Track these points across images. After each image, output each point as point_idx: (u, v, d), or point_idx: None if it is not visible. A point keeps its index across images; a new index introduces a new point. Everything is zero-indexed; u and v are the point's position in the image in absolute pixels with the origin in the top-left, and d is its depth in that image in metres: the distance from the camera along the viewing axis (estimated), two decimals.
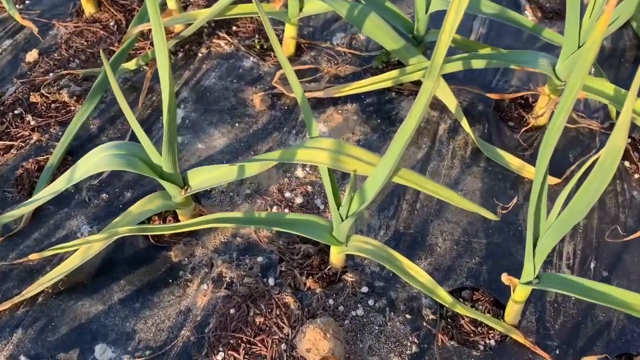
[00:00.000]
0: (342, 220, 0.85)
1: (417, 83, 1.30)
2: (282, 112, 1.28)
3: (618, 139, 0.61)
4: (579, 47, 1.07)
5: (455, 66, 1.18)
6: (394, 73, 1.22)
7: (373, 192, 0.80)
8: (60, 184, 0.92)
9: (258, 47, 1.42)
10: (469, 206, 0.89)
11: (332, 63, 1.39)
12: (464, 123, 1.19)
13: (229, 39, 1.45)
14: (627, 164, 1.24)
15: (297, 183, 1.15)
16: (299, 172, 1.16)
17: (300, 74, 1.36)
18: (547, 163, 0.72)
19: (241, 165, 0.87)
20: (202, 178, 0.93)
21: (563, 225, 0.72)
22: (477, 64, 1.17)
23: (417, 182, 0.84)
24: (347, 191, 0.81)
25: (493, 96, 1.27)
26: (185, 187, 0.94)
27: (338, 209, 0.85)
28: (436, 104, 1.29)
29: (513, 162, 1.19)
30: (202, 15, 1.26)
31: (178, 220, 1.05)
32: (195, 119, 1.26)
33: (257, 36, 1.45)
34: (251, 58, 1.40)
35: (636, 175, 1.22)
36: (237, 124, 1.26)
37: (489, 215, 0.91)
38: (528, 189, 1.16)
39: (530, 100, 1.33)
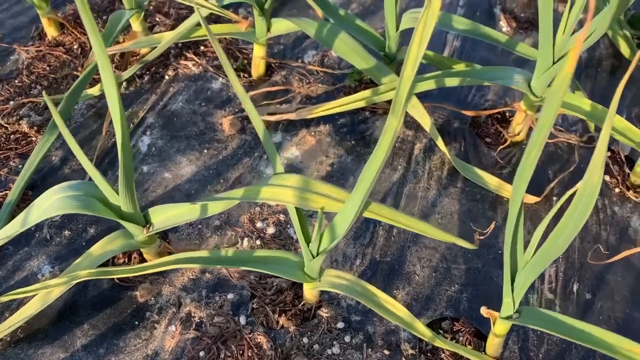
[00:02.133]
0: (313, 258, 0.81)
1: (391, 102, 1.27)
2: (253, 135, 1.24)
3: (594, 177, 0.57)
4: (554, 62, 1.04)
5: (428, 85, 1.14)
6: (367, 93, 1.18)
7: (343, 228, 0.76)
8: (14, 228, 0.87)
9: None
10: (445, 237, 0.85)
11: (304, 82, 1.35)
12: (440, 142, 1.16)
13: (197, 59, 1.40)
14: (607, 177, 1.22)
15: (269, 212, 1.10)
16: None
17: (271, 94, 1.32)
18: (521, 200, 0.68)
19: (203, 204, 0.82)
20: (164, 216, 0.88)
21: (541, 261, 0.69)
22: (451, 82, 1.13)
23: (389, 216, 0.80)
24: (315, 229, 0.76)
25: (469, 113, 1.24)
26: (147, 226, 0.90)
27: (308, 246, 0.80)
28: (411, 123, 1.25)
29: (491, 181, 1.15)
30: (166, 39, 1.21)
31: (143, 258, 1.00)
32: (162, 146, 1.22)
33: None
34: (220, 79, 1.36)
35: (617, 190, 1.20)
36: (205, 150, 1.21)
37: (467, 245, 0.88)
38: (507, 209, 1.13)
39: (507, 114, 1.30)
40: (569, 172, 1.19)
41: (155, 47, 1.23)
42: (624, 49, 1.45)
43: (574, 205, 0.61)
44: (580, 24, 1.41)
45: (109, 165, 1.18)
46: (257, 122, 0.80)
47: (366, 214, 0.79)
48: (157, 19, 1.54)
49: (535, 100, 1.12)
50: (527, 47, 1.17)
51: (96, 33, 0.66)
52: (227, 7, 1.21)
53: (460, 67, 1.24)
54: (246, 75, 1.36)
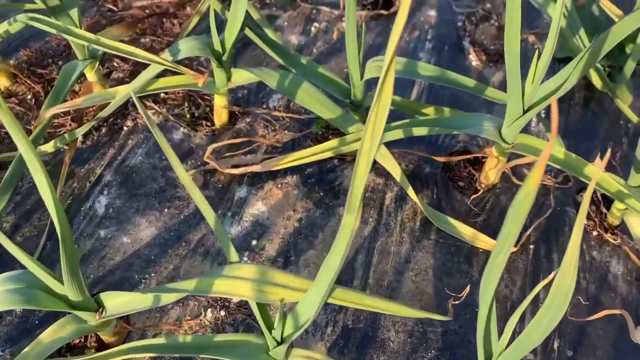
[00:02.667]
0: (278, 345, 0.76)
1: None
2: (216, 191, 1.18)
3: (565, 280, 0.53)
4: (524, 111, 1.00)
5: (395, 135, 1.10)
6: (334, 143, 1.14)
7: (306, 318, 0.71)
8: None
9: (188, 116, 1.32)
10: (418, 314, 0.80)
11: (270, 130, 1.29)
12: (411, 192, 1.11)
13: (157, 108, 1.34)
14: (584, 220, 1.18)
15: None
16: None
17: (235, 144, 1.26)
18: (490, 300, 0.64)
19: (156, 295, 0.76)
20: (116, 302, 0.82)
21: (515, 353, 0.64)
22: (419, 131, 1.09)
23: (355, 301, 0.75)
24: (276, 320, 0.71)
25: (440, 159, 1.19)
26: (100, 310, 0.83)
27: (271, 333, 0.75)
28: (381, 170, 1.20)
29: (465, 231, 1.11)
30: (121, 94, 1.15)
31: (100, 338, 0.94)
32: (120, 206, 1.15)
33: (186, 104, 1.34)
34: (181, 129, 1.30)
35: (595, 233, 1.16)
36: (166, 210, 1.15)
37: (441, 317, 0.83)
38: (483, 262, 1.09)
39: (480, 156, 1.26)
40: (545, 217, 1.15)
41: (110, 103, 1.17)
42: (596, 81, 1.42)
43: (547, 305, 0.57)
44: (552, 71, 1.38)
45: None
46: (208, 212, 0.74)
47: (331, 300, 0.74)
48: (114, 63, 1.48)
49: (507, 147, 1.08)
50: (496, 92, 1.13)
51: (24, 139, 0.60)
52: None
53: (429, 111, 1.20)
54: (209, 124, 1.31)
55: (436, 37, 1.54)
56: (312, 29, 1.57)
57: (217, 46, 1.09)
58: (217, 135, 1.29)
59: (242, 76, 1.16)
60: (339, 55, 1.49)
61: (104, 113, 1.16)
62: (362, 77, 1.12)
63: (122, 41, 1.52)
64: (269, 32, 1.44)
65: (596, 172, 1.01)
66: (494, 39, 1.53)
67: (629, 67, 1.39)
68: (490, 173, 1.19)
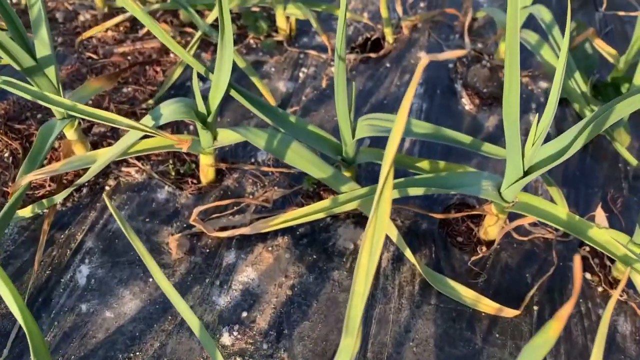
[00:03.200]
0: None
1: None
2: (203, 256, 1.12)
3: None
4: (525, 173, 0.95)
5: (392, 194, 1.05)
6: (326, 203, 1.08)
7: None
8: None
9: (173, 173, 1.27)
10: None
11: (259, 186, 1.24)
12: (408, 254, 1.06)
13: (140, 165, 1.29)
14: (588, 276, 1.14)
15: (225, 353, 0.99)
16: (226, 339, 1.00)
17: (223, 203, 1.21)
18: None
19: None
20: None
21: None
22: (414, 191, 1.04)
23: None
24: None
25: (437, 216, 1.15)
26: None
27: None
28: None
29: (467, 294, 1.06)
30: (101, 159, 1.10)
31: None
32: (102, 277, 1.09)
33: (171, 160, 1.29)
34: (166, 187, 1.24)
35: (600, 289, 1.12)
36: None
37: None
38: (486, 327, 1.03)
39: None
40: (549, 275, 1.10)
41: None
42: None
43: None
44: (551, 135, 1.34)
45: (42, 306, 1.05)
46: (193, 322, 0.69)
47: None
48: None
49: (507, 206, 1.04)
50: (493, 148, 1.09)
51: None
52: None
53: (424, 165, 1.15)
54: (195, 182, 1.25)
55: (427, 81, 1.50)
56: (300, 74, 1.52)
57: (202, 108, 1.04)
58: (204, 193, 1.23)
59: (228, 136, 1.11)
60: (329, 103, 1.44)
61: (82, 179, 1.10)
62: (353, 136, 1.08)
63: (103, 94, 1.48)
64: (255, 81, 1.40)
65: (600, 235, 0.96)
66: (487, 81, 1.49)
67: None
68: (490, 230, 1.14)
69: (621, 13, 1.48)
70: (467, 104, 1.45)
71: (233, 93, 1.06)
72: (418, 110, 1.42)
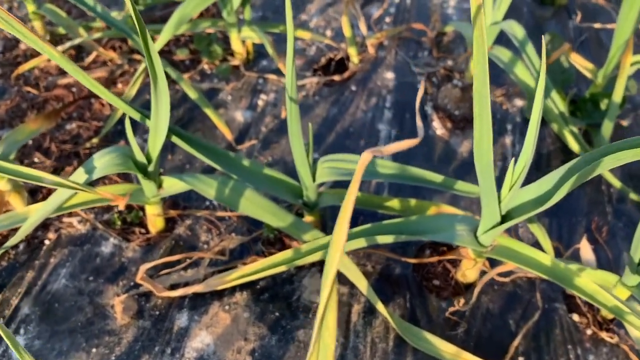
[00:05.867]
0: None
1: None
2: (153, 320, 1.00)
3: None
4: (502, 218, 0.86)
5: (357, 244, 0.95)
6: (287, 254, 0.98)
7: None
8: None
9: (119, 222, 1.15)
10: None
11: (214, 234, 1.13)
12: (380, 307, 0.96)
13: (83, 214, 1.16)
14: (576, 317, 1.04)
15: None
16: None
17: (174, 253, 1.09)
18: None
19: None
20: None
21: None
22: (384, 239, 0.94)
23: None
24: None
25: (410, 260, 1.05)
26: None
27: None
28: (346, 279, 1.05)
29: (446, 349, 0.96)
30: (33, 217, 0.97)
31: None
32: (40, 348, 0.97)
33: (116, 208, 1.17)
34: (111, 239, 1.12)
35: (589, 331, 1.03)
36: (94, 349, 0.97)
37: None
38: None
39: (455, 246, 1.12)
40: (534, 321, 1.01)
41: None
42: (573, 145, 1.30)
43: None
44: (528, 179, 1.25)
45: None
46: None
47: None
48: (35, 158, 1.30)
49: (484, 251, 0.94)
50: (468, 186, 0.99)
51: None
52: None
53: (394, 204, 1.05)
54: (143, 231, 1.14)
55: (396, 104, 1.40)
56: (259, 102, 1.41)
57: (140, 158, 0.92)
58: (153, 244, 1.11)
59: (174, 185, 1.00)
60: (283, 154, 1.33)
61: (11, 242, 0.98)
62: (314, 179, 0.97)
63: (43, 134, 1.35)
64: (209, 113, 1.28)
65: (587, 285, 0.87)
66: (459, 102, 1.40)
67: (607, 127, 1.28)
68: (469, 272, 1.04)
69: (597, 25, 1.40)
70: (438, 128, 1.35)
71: (175, 139, 0.94)
72: (387, 137, 1.32)
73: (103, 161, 0.92)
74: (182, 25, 1.20)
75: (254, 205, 0.97)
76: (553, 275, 0.89)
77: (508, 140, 1.34)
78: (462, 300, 1.01)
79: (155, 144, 0.90)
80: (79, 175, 0.92)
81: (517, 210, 0.85)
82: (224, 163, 0.98)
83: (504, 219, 0.86)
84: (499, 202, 0.84)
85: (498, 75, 1.49)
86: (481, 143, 0.74)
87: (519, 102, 1.43)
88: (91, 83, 0.82)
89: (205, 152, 0.97)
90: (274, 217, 0.98)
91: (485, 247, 0.93)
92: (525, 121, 1.38)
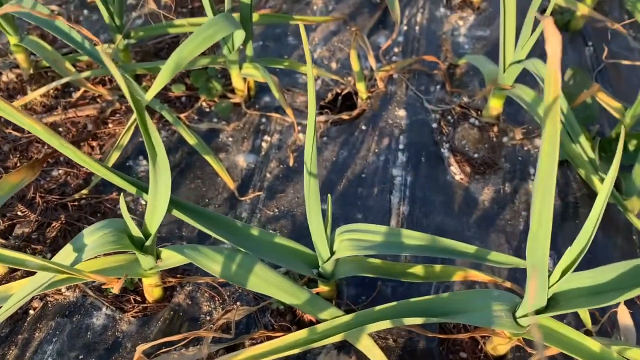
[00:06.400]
0: None
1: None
2: None
3: None
4: (548, 302, 0.76)
5: (382, 325, 0.85)
6: (302, 335, 0.87)
7: None
8: None
9: (111, 288, 1.04)
10: None
11: (217, 302, 1.02)
12: None
13: None
14: None
15: None
16: None
17: (174, 330, 0.98)
18: None
19: None
20: None
21: None
22: (411, 321, 0.84)
23: None
24: None
25: (438, 336, 0.95)
26: None
27: None
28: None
29: None
30: (15, 296, 0.85)
31: None
32: None
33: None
34: (103, 309, 1.01)
35: None
36: None
37: None
38: None
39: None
40: None
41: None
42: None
43: None
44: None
45: None
46: None
47: None
48: (18, 212, 1.18)
49: (522, 332, 0.84)
50: (505, 257, 0.89)
51: None
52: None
53: (417, 271, 0.95)
54: (138, 299, 1.03)
55: (409, 146, 1.30)
56: (263, 144, 1.31)
57: (136, 233, 0.82)
58: (150, 315, 1.01)
59: (172, 257, 0.89)
60: (298, 180, 1.23)
61: None
62: (331, 252, 0.87)
63: (28, 186, 1.23)
64: (210, 160, 1.18)
65: None
66: (477, 143, 1.30)
67: (638, 172, 1.18)
68: (501, 347, 0.94)
69: (626, 62, 1.31)
70: (456, 173, 1.25)
71: (176, 213, 0.84)
72: (402, 185, 1.22)
73: (94, 239, 0.81)
74: (179, 69, 1.09)
75: (264, 282, 0.86)
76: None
77: (531, 186, 1.24)
78: (491, 357, 0.91)
79: (154, 221, 0.79)
80: (67, 255, 0.81)
81: (566, 297, 0.75)
82: (232, 234, 0.87)
83: (550, 302, 0.77)
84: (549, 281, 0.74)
85: (516, 112, 1.39)
86: (538, 234, 0.64)
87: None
88: (87, 162, 0.72)
89: (210, 224, 0.86)
90: (288, 295, 0.87)
91: (523, 329, 0.84)
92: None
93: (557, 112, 0.52)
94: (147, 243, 0.84)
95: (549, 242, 0.67)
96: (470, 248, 0.88)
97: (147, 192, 0.78)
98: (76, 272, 0.77)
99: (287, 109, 1.16)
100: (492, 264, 0.88)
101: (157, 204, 0.76)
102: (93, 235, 0.81)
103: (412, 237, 0.87)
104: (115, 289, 0.79)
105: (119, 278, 0.80)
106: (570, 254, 0.71)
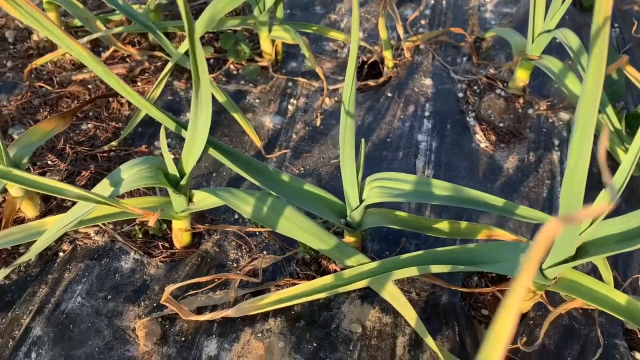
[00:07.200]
0: None
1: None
2: (178, 347, 0.92)
3: None
4: (576, 253, 0.77)
5: (408, 272, 0.86)
6: (329, 280, 0.89)
7: None
8: None
9: (140, 235, 1.06)
10: None
11: (244, 250, 1.04)
12: (430, 342, 0.87)
13: (101, 224, 1.07)
14: (638, 356, 0.96)
15: None
16: None
17: (201, 274, 1.00)
18: None
19: None
20: None
21: None
22: (437, 269, 0.85)
23: None
24: None
25: (460, 289, 0.96)
26: None
27: None
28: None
29: None
30: (49, 230, 0.88)
31: None
32: None
33: (138, 220, 1.08)
34: (132, 254, 1.03)
35: None
36: None
37: None
38: None
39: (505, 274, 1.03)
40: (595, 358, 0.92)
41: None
42: None
43: None
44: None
45: None
46: None
47: None
48: (48, 161, 1.20)
49: (548, 284, 0.85)
50: (531, 211, 0.90)
51: None
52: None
53: (443, 227, 0.96)
54: (166, 246, 1.05)
55: (435, 113, 1.31)
56: (289, 106, 1.32)
57: (173, 171, 0.83)
58: (178, 261, 1.02)
59: (205, 199, 0.91)
60: (323, 142, 1.24)
61: (25, 257, 0.89)
62: (360, 200, 0.88)
63: (57, 134, 1.25)
64: (238, 118, 1.19)
65: None
66: (503, 113, 1.31)
67: None
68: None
69: None
70: (482, 141, 1.26)
71: (212, 152, 0.85)
72: (427, 150, 1.23)
73: (131, 173, 0.83)
74: (212, 24, 1.11)
75: (294, 226, 0.87)
76: (630, 317, 0.80)
77: (555, 156, 1.25)
78: (524, 339, 0.92)
79: (190, 157, 0.81)
80: (104, 188, 0.83)
81: (595, 245, 0.76)
82: (264, 178, 0.89)
83: (578, 252, 0.78)
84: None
85: (541, 86, 1.40)
86: (575, 170, 0.65)
87: (564, 116, 1.34)
88: (131, 94, 0.73)
89: (243, 166, 0.88)
90: (316, 239, 0.89)
91: (549, 281, 0.84)
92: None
93: (606, 33, 0.53)
94: (182, 182, 0.85)
95: (584, 183, 0.68)
96: (499, 201, 0.88)
97: (186, 129, 0.80)
98: (114, 202, 0.79)
99: (317, 68, 1.17)
100: (519, 218, 0.89)
101: (196, 139, 0.78)
102: (130, 170, 0.83)
103: (441, 187, 0.88)
104: (151, 222, 0.81)
105: (154, 212, 0.81)
106: (601, 198, 0.72)
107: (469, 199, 0.88)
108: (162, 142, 0.79)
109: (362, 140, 0.80)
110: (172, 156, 1.19)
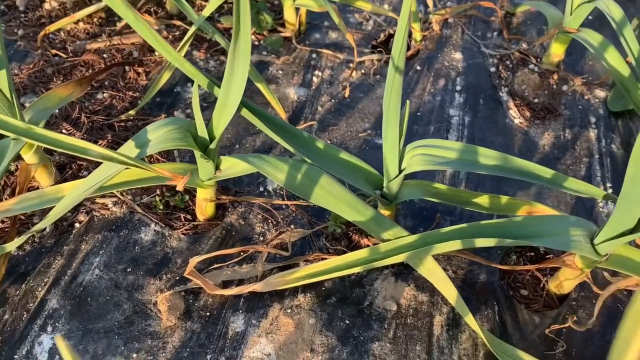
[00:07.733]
0: None
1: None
2: (203, 323, 0.86)
3: None
4: (636, 225, 0.72)
5: (452, 246, 0.81)
6: (363, 254, 0.83)
7: None
8: None
9: (161, 206, 1.00)
10: None
11: (270, 224, 0.99)
12: (470, 320, 0.82)
13: (119, 195, 1.02)
14: None
15: None
16: None
17: (226, 247, 0.95)
18: None
19: None
20: None
21: None
22: (483, 242, 0.80)
23: None
24: None
25: (502, 267, 0.90)
26: None
27: None
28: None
29: None
30: (68, 197, 0.83)
31: None
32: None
33: (158, 190, 1.02)
34: (152, 225, 0.98)
35: None
36: (134, 354, 0.83)
37: None
38: None
39: (543, 252, 0.98)
40: None
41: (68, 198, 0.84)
42: None
43: None
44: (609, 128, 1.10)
45: None
46: None
47: None
48: (62, 130, 1.15)
49: (599, 261, 0.80)
50: (583, 185, 0.84)
51: None
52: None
53: (483, 201, 0.91)
54: (189, 218, 0.99)
55: (467, 88, 1.26)
56: (314, 78, 1.26)
57: (202, 133, 0.78)
58: (201, 233, 0.97)
59: (234, 166, 0.85)
60: (350, 115, 1.19)
61: (41, 224, 0.83)
62: (400, 169, 0.83)
63: (71, 103, 1.20)
64: (262, 88, 1.13)
65: None
66: (537, 89, 1.25)
67: None
68: (567, 284, 0.90)
69: None
70: (516, 116, 1.20)
71: (245, 113, 0.80)
72: (459, 125, 1.17)
73: (159, 134, 0.77)
74: None
75: (330, 195, 0.82)
76: None
77: (592, 134, 1.19)
78: (574, 317, 0.86)
79: (222, 118, 0.75)
80: (129, 149, 0.78)
81: None
82: (298, 144, 0.83)
83: (637, 226, 0.73)
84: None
85: (575, 62, 1.34)
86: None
87: (600, 93, 1.29)
88: (159, 41, 0.67)
89: (277, 130, 0.82)
90: (352, 211, 0.83)
91: (600, 257, 0.79)
92: (610, 113, 1.23)
93: None
94: (211, 146, 0.80)
95: None
96: (547, 172, 0.83)
97: (219, 87, 0.74)
98: (141, 163, 0.73)
99: (348, 34, 1.11)
100: (568, 191, 0.84)
101: (229, 99, 0.72)
102: (157, 131, 0.77)
103: (488, 156, 0.82)
104: (180, 185, 0.75)
105: (183, 176, 0.76)
106: None
107: (517, 169, 0.82)
108: (195, 99, 0.74)
109: (407, 101, 0.74)
110: None
